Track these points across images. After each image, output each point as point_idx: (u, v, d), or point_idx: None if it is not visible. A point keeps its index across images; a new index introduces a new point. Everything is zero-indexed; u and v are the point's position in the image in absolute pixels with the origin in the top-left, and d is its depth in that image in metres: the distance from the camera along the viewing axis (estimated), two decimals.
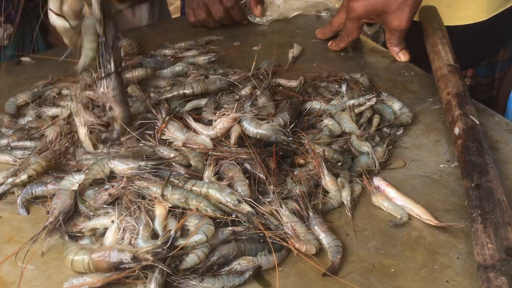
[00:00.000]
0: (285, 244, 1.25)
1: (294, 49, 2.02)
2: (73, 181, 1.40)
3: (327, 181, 1.39)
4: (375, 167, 1.48)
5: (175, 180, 1.36)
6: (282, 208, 1.31)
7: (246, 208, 1.29)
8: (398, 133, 1.62)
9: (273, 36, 2.15)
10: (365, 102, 1.62)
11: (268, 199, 1.34)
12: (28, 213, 1.38)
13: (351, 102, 1.62)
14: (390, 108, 1.67)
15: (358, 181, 1.44)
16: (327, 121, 1.59)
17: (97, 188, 1.39)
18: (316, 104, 1.64)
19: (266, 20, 2.24)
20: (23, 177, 1.41)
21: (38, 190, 1.41)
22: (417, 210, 1.35)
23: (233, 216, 1.30)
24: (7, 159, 1.52)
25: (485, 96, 2.36)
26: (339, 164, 1.45)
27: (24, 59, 1.96)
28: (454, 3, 2.14)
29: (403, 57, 1.97)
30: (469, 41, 2.14)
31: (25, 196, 1.40)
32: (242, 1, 2.21)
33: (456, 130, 1.53)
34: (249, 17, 2.24)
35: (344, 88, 1.67)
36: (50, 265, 1.25)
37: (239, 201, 1.29)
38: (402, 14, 1.85)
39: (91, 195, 1.38)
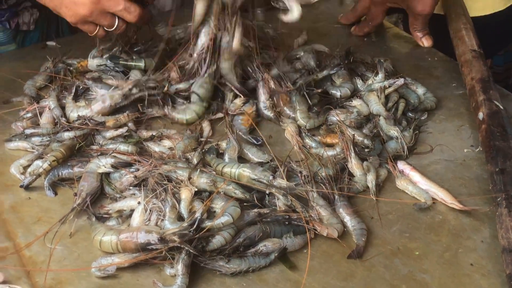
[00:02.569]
0: (308, 227, 1.26)
1: (299, 38, 2.01)
2: (100, 164, 1.41)
3: (353, 164, 1.40)
4: (404, 152, 1.48)
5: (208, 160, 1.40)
6: (313, 190, 1.32)
7: (282, 183, 1.30)
8: (423, 118, 1.62)
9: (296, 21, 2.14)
10: (394, 83, 1.63)
11: (295, 182, 1.35)
12: (56, 194, 1.40)
13: (380, 84, 1.62)
14: (415, 92, 1.67)
15: (385, 165, 1.45)
16: (356, 102, 1.60)
17: (123, 171, 1.40)
18: (347, 88, 1.64)
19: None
20: (45, 165, 1.42)
21: (65, 172, 1.43)
22: (441, 194, 1.36)
23: (267, 192, 1.32)
24: (25, 146, 1.53)
25: (502, 84, 2.34)
26: (366, 150, 1.45)
27: (49, 43, 1.97)
28: None
29: (426, 42, 1.96)
30: (487, 31, 2.12)
31: (52, 178, 1.42)
32: None
33: (480, 115, 1.53)
34: (272, 2, 2.23)
35: (379, 67, 1.67)
36: (79, 246, 1.27)
37: (274, 177, 1.30)
38: None
39: (117, 177, 1.40)
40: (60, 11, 1.54)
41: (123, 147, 1.46)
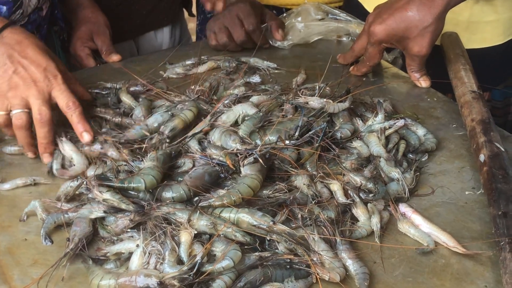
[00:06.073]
0: (309, 270, 1.24)
1: (298, 77, 2.01)
2: (92, 209, 1.39)
3: (358, 209, 1.39)
4: (405, 194, 1.47)
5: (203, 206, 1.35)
6: (315, 233, 1.30)
7: (283, 228, 1.28)
8: (423, 159, 1.61)
9: (294, 60, 2.15)
10: (394, 124, 1.62)
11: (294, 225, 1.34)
12: (52, 242, 1.36)
13: (380, 125, 1.62)
14: (415, 133, 1.66)
15: (387, 207, 1.43)
16: (356, 143, 1.59)
17: (120, 214, 1.37)
18: (347, 129, 1.62)
19: (287, 44, 2.24)
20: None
21: (60, 218, 1.40)
22: (443, 238, 1.34)
23: (268, 238, 1.30)
24: (18, 183, 1.53)
25: (500, 120, 2.34)
26: (371, 195, 1.43)
27: None
28: (471, 26, 2.14)
29: (424, 83, 1.96)
30: (485, 64, 2.14)
31: (48, 227, 1.38)
32: (264, 25, 2.21)
33: (481, 157, 1.52)
34: (270, 41, 2.24)
35: (378, 107, 1.67)
36: None
37: (274, 222, 1.28)
38: (423, 41, 1.84)
39: (112, 221, 1.37)
40: None
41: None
